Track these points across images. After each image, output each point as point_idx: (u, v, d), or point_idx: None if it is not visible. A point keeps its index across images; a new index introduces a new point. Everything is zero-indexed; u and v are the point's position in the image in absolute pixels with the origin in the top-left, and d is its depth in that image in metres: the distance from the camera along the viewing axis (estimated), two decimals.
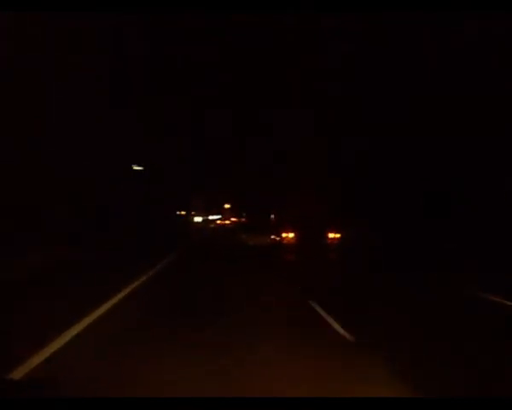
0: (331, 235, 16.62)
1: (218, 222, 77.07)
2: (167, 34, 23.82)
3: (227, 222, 75.38)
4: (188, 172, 55.64)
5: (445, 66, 16.03)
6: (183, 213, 65.08)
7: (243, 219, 66.90)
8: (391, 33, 17.03)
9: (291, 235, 16.92)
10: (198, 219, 69.21)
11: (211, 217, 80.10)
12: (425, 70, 16.60)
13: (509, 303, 7.82)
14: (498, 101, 14.27)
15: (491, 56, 14.39)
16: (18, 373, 4.01)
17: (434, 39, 16.13)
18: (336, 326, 5.95)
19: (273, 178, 31.07)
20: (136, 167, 34.15)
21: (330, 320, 6.30)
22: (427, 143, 17.22)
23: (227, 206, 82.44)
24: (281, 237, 17.35)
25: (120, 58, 21.77)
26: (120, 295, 7.68)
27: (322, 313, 6.81)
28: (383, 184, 15.85)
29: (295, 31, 20.45)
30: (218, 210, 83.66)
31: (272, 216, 21.62)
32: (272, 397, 3.66)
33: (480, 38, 14.34)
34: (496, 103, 14.42)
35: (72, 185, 17.45)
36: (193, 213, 72.85)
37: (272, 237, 19.68)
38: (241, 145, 45.49)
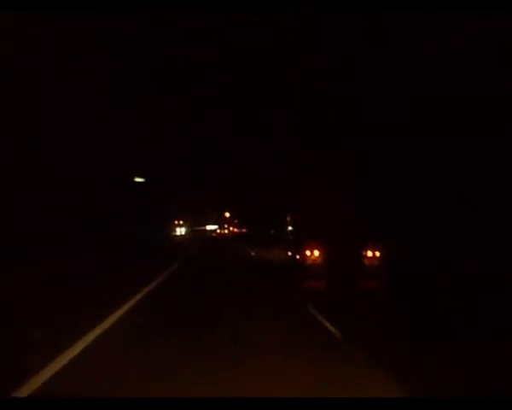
0: (369, 253, 12.71)
1: (218, 231, 71.68)
2: (167, 34, 23.82)
3: (225, 232, 70.57)
4: (188, 172, 55.09)
5: (446, 66, 16.03)
6: (181, 222, 56.25)
7: (244, 230, 63.16)
8: (391, 33, 17.03)
9: (316, 253, 12.93)
10: (181, 230, 54.53)
11: (208, 227, 73.88)
12: (425, 70, 16.60)
13: None
14: (498, 101, 14.28)
15: (491, 56, 14.39)
16: None
17: (434, 39, 16.13)
18: None
19: (282, 179, 25.70)
20: (138, 179, 33.84)
21: None
22: (427, 143, 17.22)
23: (227, 214, 76.53)
24: (302, 255, 13.13)
25: (120, 58, 21.77)
26: None
27: None
28: (383, 185, 15.59)
29: (295, 31, 20.45)
30: (218, 219, 76.42)
31: (289, 228, 16.65)
32: (272, 397, 3.66)
33: (479, 38, 14.36)
34: (496, 103, 14.43)
35: (70, 186, 17.46)
36: (179, 222, 57.15)
37: (289, 253, 15.73)
38: (241, 145, 45.33)
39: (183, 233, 53.77)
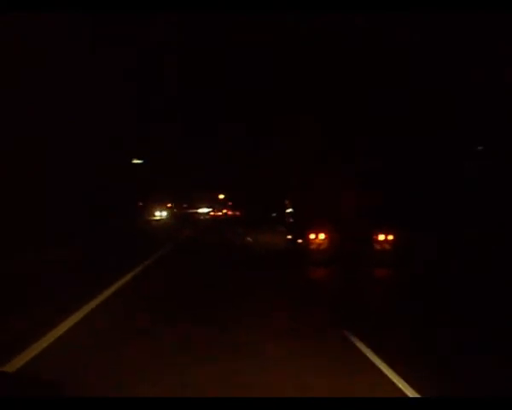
0: (381, 237, 11.36)
1: (212, 214, 70.67)
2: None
3: (219, 214, 69.62)
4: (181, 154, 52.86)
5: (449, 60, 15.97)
6: (169, 205, 53.92)
7: (237, 213, 62.64)
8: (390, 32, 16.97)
9: (321, 236, 11.53)
10: (161, 214, 49.04)
11: (201, 210, 72.64)
12: (424, 64, 16.55)
13: None
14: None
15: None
16: None
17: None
18: None
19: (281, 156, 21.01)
20: (136, 161, 33.90)
21: None
22: (426, 138, 17.21)
23: (221, 196, 74.58)
24: (306, 239, 11.68)
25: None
26: None
27: None
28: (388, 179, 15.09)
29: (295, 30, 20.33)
30: (211, 201, 74.29)
31: (289, 210, 14.83)
32: (272, 397, 3.67)
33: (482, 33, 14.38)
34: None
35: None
36: (170, 205, 53.44)
37: (289, 237, 14.31)
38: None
39: (164, 217, 48.22)
